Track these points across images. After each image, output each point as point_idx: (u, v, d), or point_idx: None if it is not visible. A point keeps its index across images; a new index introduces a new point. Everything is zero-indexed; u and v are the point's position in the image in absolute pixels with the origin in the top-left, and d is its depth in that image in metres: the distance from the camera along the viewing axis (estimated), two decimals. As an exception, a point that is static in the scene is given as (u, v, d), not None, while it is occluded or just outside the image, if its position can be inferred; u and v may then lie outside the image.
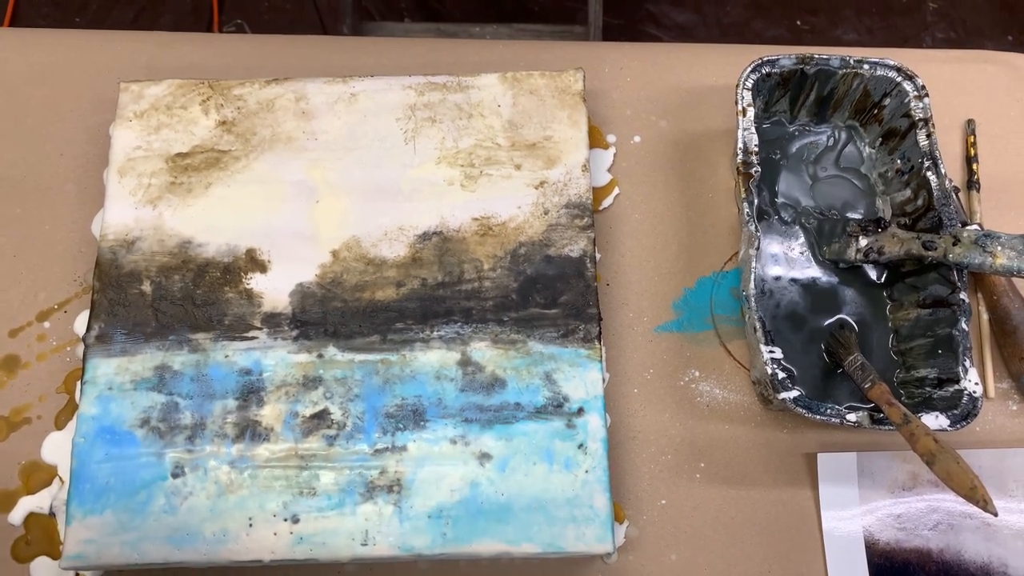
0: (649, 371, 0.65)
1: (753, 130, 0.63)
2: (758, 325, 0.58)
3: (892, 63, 0.65)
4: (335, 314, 0.61)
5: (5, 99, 0.72)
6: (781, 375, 0.57)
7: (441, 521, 0.56)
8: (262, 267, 0.62)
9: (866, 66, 0.66)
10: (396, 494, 0.57)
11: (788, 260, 0.66)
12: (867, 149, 0.69)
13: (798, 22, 1.60)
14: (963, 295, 0.60)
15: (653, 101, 0.73)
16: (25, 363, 0.65)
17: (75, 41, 0.74)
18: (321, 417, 0.59)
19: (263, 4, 1.59)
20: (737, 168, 0.63)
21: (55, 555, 0.60)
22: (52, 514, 0.61)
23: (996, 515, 0.51)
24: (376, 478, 0.57)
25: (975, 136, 0.72)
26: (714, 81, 0.74)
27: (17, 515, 0.61)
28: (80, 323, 0.65)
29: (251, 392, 0.59)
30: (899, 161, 0.66)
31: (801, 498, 0.62)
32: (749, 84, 0.64)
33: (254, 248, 0.63)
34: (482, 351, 0.60)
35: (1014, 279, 0.66)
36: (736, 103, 0.64)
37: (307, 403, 0.59)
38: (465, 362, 0.60)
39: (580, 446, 0.58)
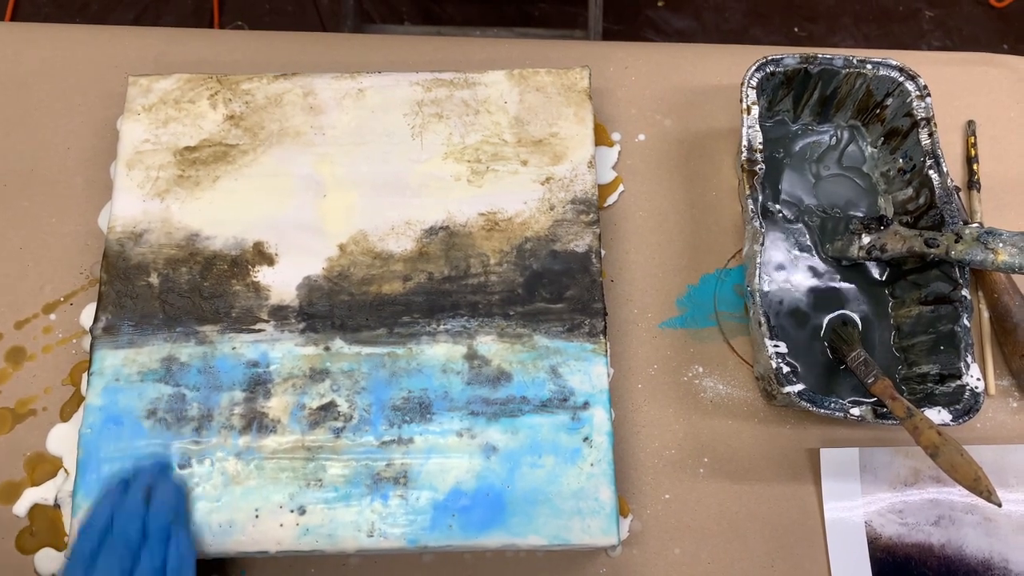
0: (653, 366, 0.66)
1: (757, 128, 0.64)
2: (763, 320, 0.59)
3: (894, 63, 0.66)
4: (342, 307, 0.61)
5: (14, 93, 0.72)
6: (785, 369, 0.58)
7: (447, 513, 0.56)
8: (269, 260, 0.63)
9: (869, 66, 0.66)
10: (402, 486, 0.57)
11: (791, 258, 0.67)
12: (869, 148, 0.70)
13: (796, 29, 1.62)
14: (964, 292, 0.61)
15: (657, 100, 0.74)
16: (31, 355, 0.65)
17: (83, 36, 0.75)
18: (328, 409, 0.59)
19: (264, 6, 1.60)
20: (741, 165, 0.64)
21: (59, 546, 0.60)
22: (57, 505, 0.61)
23: (1000, 506, 0.52)
24: (383, 470, 0.57)
25: (975, 137, 0.73)
26: (718, 81, 0.74)
27: (22, 506, 0.61)
28: (86, 316, 0.65)
29: (258, 384, 0.59)
30: (901, 160, 0.67)
31: (804, 493, 0.63)
32: (754, 82, 0.65)
33: (261, 241, 0.63)
34: (488, 345, 0.61)
35: (1014, 277, 0.67)
36: (741, 101, 0.65)
37: (314, 395, 0.59)
38: (471, 356, 0.60)
39: (585, 439, 0.58)
